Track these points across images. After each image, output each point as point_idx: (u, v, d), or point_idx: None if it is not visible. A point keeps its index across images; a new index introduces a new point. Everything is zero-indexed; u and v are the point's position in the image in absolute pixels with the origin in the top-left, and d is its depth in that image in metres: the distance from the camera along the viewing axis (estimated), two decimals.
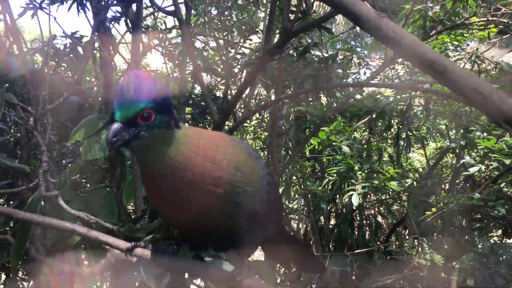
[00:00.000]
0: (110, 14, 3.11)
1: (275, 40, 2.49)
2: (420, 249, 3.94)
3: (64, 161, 3.37)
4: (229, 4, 4.14)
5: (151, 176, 1.06)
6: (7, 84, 2.07)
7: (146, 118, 0.99)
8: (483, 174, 4.42)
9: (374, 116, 3.59)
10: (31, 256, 1.65)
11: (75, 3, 3.03)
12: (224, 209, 1.06)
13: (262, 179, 1.16)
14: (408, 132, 3.54)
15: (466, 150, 3.87)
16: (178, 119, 1.09)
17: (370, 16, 0.70)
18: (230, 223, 1.09)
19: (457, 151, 3.85)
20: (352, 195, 3.20)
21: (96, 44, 2.93)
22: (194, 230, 1.12)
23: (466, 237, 3.89)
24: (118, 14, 3.14)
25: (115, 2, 2.49)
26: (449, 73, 0.64)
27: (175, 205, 1.06)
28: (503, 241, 4.63)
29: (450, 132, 4.01)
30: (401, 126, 3.62)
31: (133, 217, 2.96)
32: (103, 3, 2.78)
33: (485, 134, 3.18)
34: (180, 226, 1.17)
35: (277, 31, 3.25)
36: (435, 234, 4.34)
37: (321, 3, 6.20)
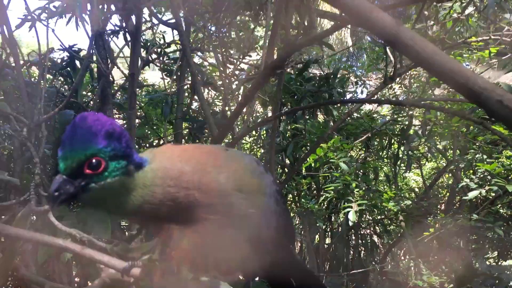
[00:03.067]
0: (109, 27, 3.10)
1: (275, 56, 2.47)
2: (416, 270, 3.90)
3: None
4: (228, 21, 4.14)
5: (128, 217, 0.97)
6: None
7: (95, 166, 0.85)
8: (479, 195, 4.43)
9: (371, 134, 3.58)
10: (21, 274, 1.59)
11: (74, 16, 3.01)
12: (225, 235, 0.97)
13: (269, 198, 1.05)
14: (409, 151, 3.52)
15: (462, 171, 3.86)
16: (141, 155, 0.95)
17: (386, 23, 0.66)
18: (233, 249, 1.00)
19: (454, 170, 3.84)
20: (349, 212, 3.17)
21: (94, 58, 2.91)
22: (193, 255, 1.04)
23: (463, 258, 3.86)
24: (117, 28, 3.12)
25: (114, 10, 2.46)
26: (472, 85, 0.61)
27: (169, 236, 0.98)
28: (499, 263, 4.60)
29: (447, 153, 4.01)
30: (400, 145, 3.61)
31: (127, 233, 2.90)
32: (102, 17, 2.77)
33: (484, 156, 3.17)
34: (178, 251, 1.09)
35: (276, 49, 3.24)
36: (431, 255, 4.30)
37: (321, 21, 6.24)
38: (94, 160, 0.85)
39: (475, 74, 0.64)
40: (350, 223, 3.44)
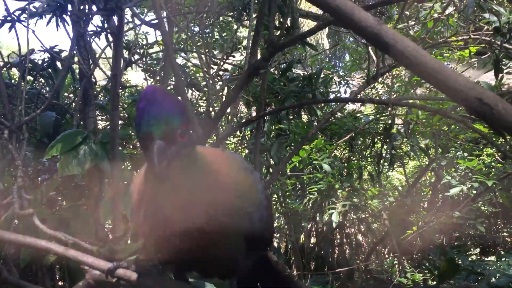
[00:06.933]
0: (90, 27, 3.06)
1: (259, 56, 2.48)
2: (400, 268, 3.94)
3: (39, 178, 3.26)
4: (211, 22, 4.13)
5: (163, 202, 0.95)
6: None
7: (182, 134, 0.86)
8: (460, 193, 4.50)
9: (354, 134, 3.60)
10: (3, 277, 1.56)
11: (55, 16, 2.97)
12: (227, 235, 0.99)
13: (261, 193, 1.08)
14: (392, 149, 3.56)
15: (444, 169, 3.91)
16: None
17: (368, 22, 0.67)
18: (229, 249, 1.02)
19: (436, 168, 3.89)
20: (332, 213, 3.19)
21: (76, 59, 2.88)
22: (188, 257, 1.03)
23: (445, 255, 3.90)
24: (99, 29, 3.08)
25: (96, 11, 2.43)
26: (453, 83, 0.62)
27: (180, 235, 0.97)
28: (481, 259, 4.67)
29: (429, 151, 4.05)
30: (383, 144, 3.64)
31: (110, 236, 2.87)
32: (84, 17, 2.73)
33: (465, 154, 3.21)
34: (174, 253, 1.08)
35: (259, 50, 3.25)
36: (414, 253, 4.35)
37: (305, 21, 6.27)
38: (182, 129, 0.86)
39: (455, 73, 0.65)
40: (334, 224, 3.47)
